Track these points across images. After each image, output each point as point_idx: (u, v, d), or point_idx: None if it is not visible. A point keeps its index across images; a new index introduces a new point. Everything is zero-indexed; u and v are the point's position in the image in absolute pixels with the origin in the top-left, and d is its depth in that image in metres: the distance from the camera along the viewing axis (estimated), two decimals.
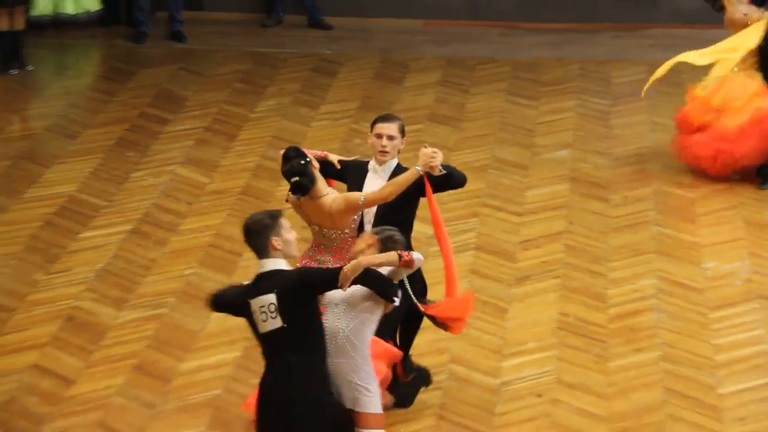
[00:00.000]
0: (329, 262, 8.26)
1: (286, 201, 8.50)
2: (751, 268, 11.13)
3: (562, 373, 9.57)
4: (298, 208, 8.40)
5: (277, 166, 12.59)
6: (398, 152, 8.65)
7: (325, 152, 8.70)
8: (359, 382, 7.39)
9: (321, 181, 8.26)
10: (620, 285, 10.89)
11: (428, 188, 8.40)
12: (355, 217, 8.38)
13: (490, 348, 9.93)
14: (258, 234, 7.21)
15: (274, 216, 7.23)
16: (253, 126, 13.93)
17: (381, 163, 8.56)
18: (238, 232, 11.33)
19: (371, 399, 7.41)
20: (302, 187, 8.16)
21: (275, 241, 7.15)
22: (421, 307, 8.29)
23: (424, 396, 9.08)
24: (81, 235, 11.47)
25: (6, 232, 11.50)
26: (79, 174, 12.62)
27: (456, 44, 16.44)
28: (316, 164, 8.27)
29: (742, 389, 9.44)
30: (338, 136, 13.65)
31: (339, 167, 8.62)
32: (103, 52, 16.21)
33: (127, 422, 8.94)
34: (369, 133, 8.67)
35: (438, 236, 8.58)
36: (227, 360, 9.67)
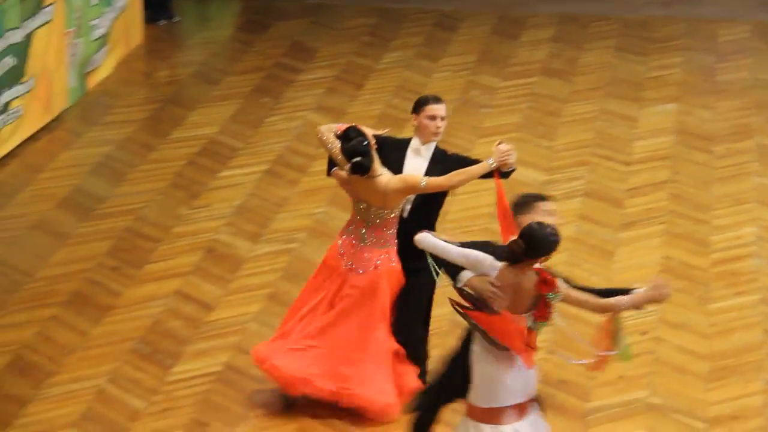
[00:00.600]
0: (370, 239, 7.87)
1: (328, 175, 8.08)
2: None
3: (666, 314, 9.44)
4: (346, 184, 7.88)
5: (400, 113, 12.73)
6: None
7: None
8: None
9: (377, 161, 7.74)
10: (722, 232, 10.72)
11: (498, 183, 7.62)
12: (406, 198, 7.90)
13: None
14: None
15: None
16: (379, 76, 13.85)
17: (426, 143, 7.96)
18: None
19: None
20: (364, 167, 7.64)
21: None
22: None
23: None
24: (220, 174, 11.49)
25: (153, 169, 11.55)
26: (219, 117, 12.63)
27: (570, 2, 16.19)
28: (374, 144, 7.77)
29: None
30: (457, 87, 13.53)
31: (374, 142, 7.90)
32: (242, 5, 16.17)
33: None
34: (415, 115, 7.97)
35: (504, 227, 7.38)
36: None
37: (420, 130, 7.96)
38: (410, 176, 7.74)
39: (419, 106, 7.96)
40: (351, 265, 7.91)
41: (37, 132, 11.99)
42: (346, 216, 10.64)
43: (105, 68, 13.47)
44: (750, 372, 8.86)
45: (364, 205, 7.82)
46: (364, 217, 7.87)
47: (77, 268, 9.93)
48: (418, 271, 7.43)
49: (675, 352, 9.06)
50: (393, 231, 7.87)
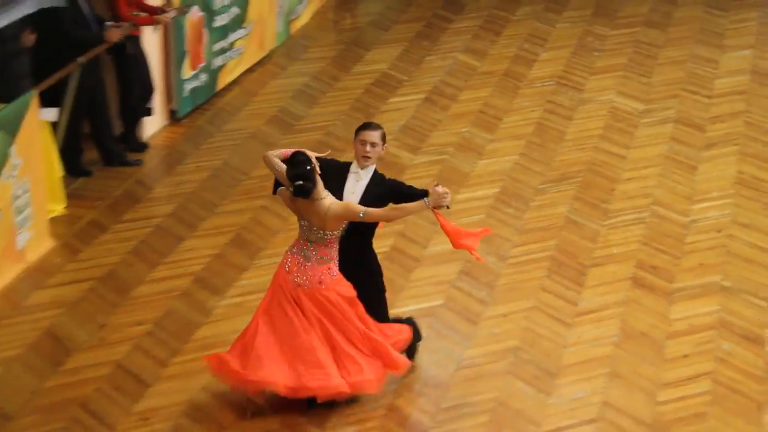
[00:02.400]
0: (313, 257, 6.72)
1: (274, 194, 6.95)
2: None
3: (738, 216, 9.27)
4: (291, 203, 6.73)
5: (530, 56, 12.58)
6: (378, 158, 6.90)
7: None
8: None
9: (320, 185, 6.60)
10: None
11: (439, 219, 6.73)
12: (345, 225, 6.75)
13: (683, 195, 9.65)
14: None
15: None
16: (514, 25, 13.61)
17: (363, 167, 6.82)
18: (500, 102, 11.39)
19: None
20: (306, 191, 6.53)
21: None
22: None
23: (625, 234, 8.94)
24: (389, 100, 11.49)
25: (339, 95, 11.58)
26: (389, 56, 12.59)
27: None
28: (318, 170, 6.60)
29: None
30: (575, 35, 13.26)
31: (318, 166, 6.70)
32: None
33: (418, 233, 9.00)
34: (354, 140, 6.86)
35: (457, 246, 6.87)
36: (488, 195, 9.61)
37: (355, 154, 6.84)
38: (351, 205, 6.61)
39: (356, 131, 6.85)
40: (297, 281, 6.74)
41: (253, 65, 12.12)
42: (486, 135, 10.69)
43: (304, 17, 13.53)
44: None
45: (306, 223, 6.70)
46: (307, 236, 6.72)
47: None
48: (360, 279, 6.81)
49: (744, 246, 8.88)
50: (335, 248, 6.75)
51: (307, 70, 12.24)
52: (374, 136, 6.79)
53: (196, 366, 7.21)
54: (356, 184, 6.82)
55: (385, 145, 6.89)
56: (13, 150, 8.15)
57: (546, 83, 11.90)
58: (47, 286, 8.19)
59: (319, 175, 6.58)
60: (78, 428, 6.75)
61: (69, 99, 9.20)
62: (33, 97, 8.41)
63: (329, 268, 6.75)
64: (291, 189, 6.58)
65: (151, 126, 10.55)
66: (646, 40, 13.17)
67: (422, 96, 11.59)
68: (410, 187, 6.90)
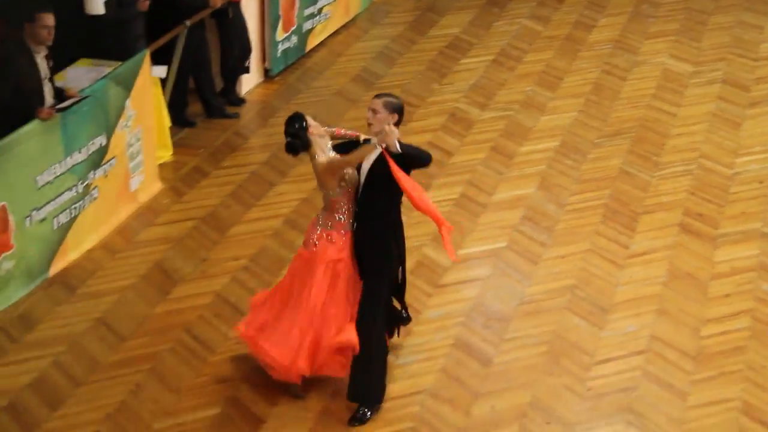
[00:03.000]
0: (319, 222, 6.20)
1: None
2: None
3: None
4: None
5: (590, 21, 12.33)
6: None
7: (344, 131, 6.46)
8: None
9: (318, 147, 6.12)
10: None
11: (389, 162, 5.96)
12: (343, 183, 6.10)
13: (728, 149, 9.45)
14: None
15: None
16: None
17: (370, 133, 6.16)
18: (561, 64, 11.22)
19: None
20: (293, 148, 6.10)
21: None
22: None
23: (674, 184, 8.79)
24: (461, 62, 11.36)
25: (415, 56, 11.47)
26: (461, 21, 12.43)
27: None
28: (315, 131, 6.12)
29: None
30: (631, 3, 12.95)
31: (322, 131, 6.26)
32: None
33: (485, 182, 8.95)
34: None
35: (414, 203, 6.04)
36: (549, 147, 9.51)
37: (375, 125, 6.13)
38: (329, 156, 6.10)
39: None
40: (307, 246, 6.24)
41: (339, 29, 12.06)
42: (548, 93, 10.55)
43: None
44: None
45: (317, 186, 6.24)
46: (322, 200, 6.25)
47: (363, 122, 9.90)
48: (369, 264, 6.12)
49: None
50: (340, 216, 6.14)
51: (387, 33, 12.15)
52: (376, 103, 6.09)
53: None
54: (372, 153, 6.15)
55: (398, 116, 6.11)
56: (128, 103, 8.25)
57: (603, 47, 11.69)
58: (156, 224, 8.32)
59: (340, 143, 6.12)
60: (182, 349, 6.89)
61: (177, 58, 9.27)
62: (146, 56, 8.49)
63: (330, 235, 6.13)
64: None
65: (248, 83, 10.59)
66: (696, 7, 12.84)
67: (491, 58, 11.45)
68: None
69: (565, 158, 9.31)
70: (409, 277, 7.63)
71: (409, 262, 7.80)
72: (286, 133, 6.12)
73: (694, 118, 10.03)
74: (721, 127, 9.84)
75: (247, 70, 10.40)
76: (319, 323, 6.15)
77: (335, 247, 6.14)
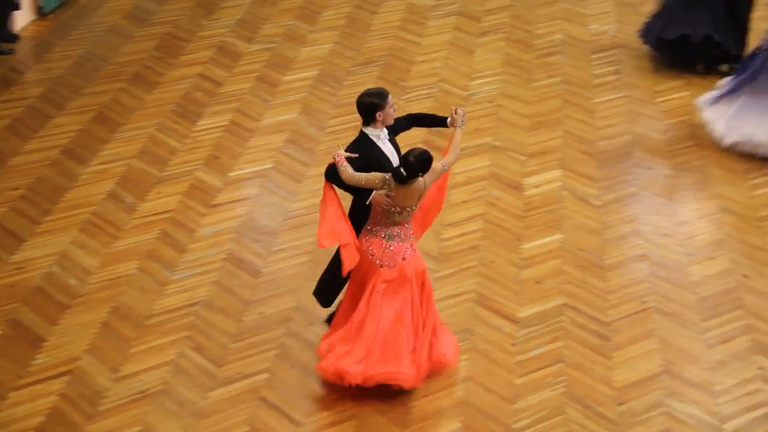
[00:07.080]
0: (396, 237, 5.62)
1: (366, 203, 5.60)
2: None
3: (504, 89, 9.21)
4: (387, 199, 5.52)
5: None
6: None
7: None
8: None
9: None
10: None
11: (456, 138, 5.73)
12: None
13: (464, 74, 9.58)
14: None
15: None
16: None
17: (387, 125, 5.67)
18: (319, 0, 10.96)
19: None
20: (412, 178, 5.46)
21: None
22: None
23: (420, 106, 8.81)
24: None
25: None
26: None
27: None
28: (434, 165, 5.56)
29: None
30: None
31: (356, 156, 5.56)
32: None
33: (252, 109, 8.71)
34: (384, 106, 5.57)
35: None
36: (309, 76, 9.33)
37: (384, 119, 5.59)
38: (434, 166, 5.51)
39: (386, 97, 5.58)
40: (381, 263, 5.60)
41: None
42: (309, 27, 10.30)
43: None
44: None
45: (398, 209, 5.54)
46: (392, 219, 5.57)
47: (137, 57, 9.50)
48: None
49: (509, 113, 8.79)
50: (411, 223, 5.70)
51: None
52: (391, 100, 5.62)
53: (65, 223, 6.87)
54: (385, 144, 5.62)
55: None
56: None
57: None
58: None
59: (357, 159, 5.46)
60: None
61: None
62: None
63: (411, 245, 5.66)
64: (399, 177, 5.38)
65: (22, 20, 9.78)
66: None
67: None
68: (420, 113, 6.00)
69: (324, 85, 9.19)
70: (183, 200, 7.40)
71: (183, 186, 7.56)
72: (416, 169, 5.39)
73: (434, 46, 10.11)
74: (457, 54, 9.96)
75: (17, 7, 9.59)
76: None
77: (418, 254, 5.72)
